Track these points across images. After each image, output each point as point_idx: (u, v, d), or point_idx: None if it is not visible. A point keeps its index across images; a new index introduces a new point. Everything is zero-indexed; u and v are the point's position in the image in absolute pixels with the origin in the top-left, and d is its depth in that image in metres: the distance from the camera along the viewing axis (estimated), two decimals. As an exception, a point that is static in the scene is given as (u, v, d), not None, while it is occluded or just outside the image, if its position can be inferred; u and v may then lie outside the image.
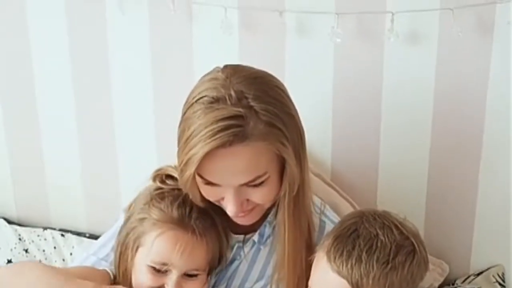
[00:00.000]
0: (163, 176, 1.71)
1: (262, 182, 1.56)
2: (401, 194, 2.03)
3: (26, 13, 2.12)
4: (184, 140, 1.54)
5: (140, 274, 1.66)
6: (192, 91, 1.59)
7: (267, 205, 1.66)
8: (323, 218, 1.75)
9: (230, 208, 1.59)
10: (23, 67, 2.18)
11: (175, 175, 1.68)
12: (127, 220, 1.72)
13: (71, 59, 2.14)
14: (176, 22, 1.99)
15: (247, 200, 1.60)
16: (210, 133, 1.49)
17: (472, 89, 1.92)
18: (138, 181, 2.05)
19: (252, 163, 1.53)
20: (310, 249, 1.67)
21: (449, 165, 2.01)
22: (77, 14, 2.09)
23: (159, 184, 1.70)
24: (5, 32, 2.17)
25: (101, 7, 2.05)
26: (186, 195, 1.65)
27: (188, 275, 1.65)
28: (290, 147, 1.56)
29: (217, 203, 1.64)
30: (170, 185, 1.69)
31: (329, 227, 1.72)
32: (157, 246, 1.63)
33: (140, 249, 1.66)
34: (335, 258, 1.53)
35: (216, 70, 1.60)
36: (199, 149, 1.50)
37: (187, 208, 1.64)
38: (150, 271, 1.64)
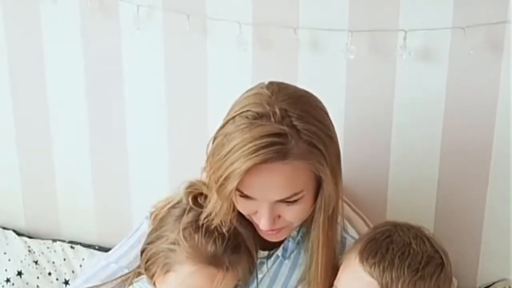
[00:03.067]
0: (196, 195, 1.69)
1: (297, 200, 1.58)
2: (410, 209, 2.04)
3: (41, 28, 2.13)
4: (224, 154, 1.54)
5: None
6: (235, 105, 1.60)
7: (297, 224, 1.67)
8: (344, 234, 1.77)
9: (263, 223, 1.60)
10: (37, 82, 2.20)
11: (207, 193, 1.67)
12: (156, 236, 1.69)
13: (85, 74, 2.15)
14: (190, 38, 2.00)
15: (279, 216, 1.61)
16: (254, 148, 1.50)
17: (482, 107, 1.94)
18: (148, 194, 2.08)
19: (290, 181, 1.55)
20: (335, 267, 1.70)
21: (458, 180, 2.02)
22: (92, 30, 2.10)
23: (191, 204, 1.68)
24: (20, 48, 2.18)
25: (116, 23, 2.07)
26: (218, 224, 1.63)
27: None
28: (328, 168, 1.57)
29: (248, 217, 1.65)
30: (202, 206, 1.66)
31: (349, 243, 1.75)
32: (190, 281, 1.63)
33: (171, 274, 1.66)
34: (367, 258, 1.57)
35: (260, 86, 1.62)
36: (241, 164, 1.51)
37: (221, 241, 1.62)
38: None
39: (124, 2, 2.02)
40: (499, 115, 1.93)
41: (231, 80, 2.03)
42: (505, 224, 2.04)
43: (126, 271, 1.78)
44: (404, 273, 1.54)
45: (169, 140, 2.15)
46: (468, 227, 2.06)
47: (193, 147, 2.01)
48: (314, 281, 1.69)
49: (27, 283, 2.25)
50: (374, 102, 1.98)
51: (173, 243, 1.64)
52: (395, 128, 1.99)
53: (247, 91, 1.62)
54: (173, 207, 1.72)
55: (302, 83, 1.95)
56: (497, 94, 1.92)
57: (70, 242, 2.30)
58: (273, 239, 1.68)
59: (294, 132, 1.52)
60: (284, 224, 1.63)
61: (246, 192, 1.57)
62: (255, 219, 1.64)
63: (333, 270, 1.68)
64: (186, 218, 1.65)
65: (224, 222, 1.62)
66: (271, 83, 1.62)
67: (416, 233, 1.61)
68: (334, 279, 1.65)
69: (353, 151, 2.02)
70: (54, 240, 2.30)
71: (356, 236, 1.75)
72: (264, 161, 1.51)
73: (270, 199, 1.57)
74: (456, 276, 2.05)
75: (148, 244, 1.70)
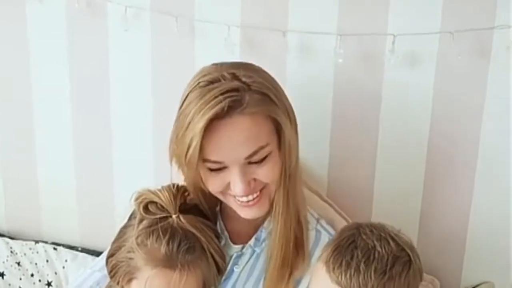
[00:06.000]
0: (146, 204, 1.72)
1: (265, 158, 1.62)
2: (395, 212, 2.05)
3: (28, 28, 2.12)
4: (185, 127, 1.60)
5: None
6: (185, 90, 1.66)
7: (273, 190, 1.69)
8: (319, 228, 1.79)
9: (238, 189, 1.63)
10: (21, 80, 2.18)
11: (157, 200, 1.70)
12: (116, 247, 1.73)
13: (70, 75, 2.14)
14: (178, 40, 2.00)
15: (254, 180, 1.64)
16: (209, 105, 1.56)
17: (469, 112, 1.95)
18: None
19: (253, 131, 1.60)
20: (302, 256, 1.72)
21: (444, 184, 2.03)
22: (79, 31, 2.09)
23: (142, 213, 1.70)
24: (6, 49, 2.17)
25: (103, 24, 2.06)
26: (174, 225, 1.67)
27: None
28: (283, 113, 1.64)
29: (223, 198, 1.68)
30: (154, 213, 1.70)
31: (324, 237, 1.77)
32: (151, 285, 1.65)
33: (134, 281, 1.69)
34: (334, 268, 1.56)
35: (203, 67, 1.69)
36: (199, 123, 1.56)
37: (175, 242, 1.65)
38: None
39: (111, 3, 2.01)
40: (485, 120, 1.95)
41: None
42: (490, 226, 2.06)
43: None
44: (371, 278, 1.54)
45: (154, 142, 2.14)
46: (453, 229, 2.08)
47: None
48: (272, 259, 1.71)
49: (9, 284, 2.24)
50: (362, 106, 1.99)
51: (130, 251, 1.68)
52: (382, 132, 2.00)
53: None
54: (129, 219, 1.76)
55: (290, 87, 1.96)
56: (484, 99, 1.93)
57: (52, 243, 2.29)
58: (254, 213, 1.69)
59: (245, 86, 1.60)
60: (260, 186, 1.66)
61: (213, 158, 1.60)
62: (230, 195, 1.67)
63: (296, 263, 1.71)
64: (140, 226, 1.69)
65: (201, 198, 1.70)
66: (215, 63, 1.69)
67: (379, 234, 1.60)
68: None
69: (339, 154, 2.04)
70: (37, 242, 2.29)
71: (332, 232, 1.78)
72: (221, 111, 1.56)
73: (238, 157, 1.60)
74: (441, 279, 2.09)
75: (109, 256, 1.73)
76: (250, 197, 1.66)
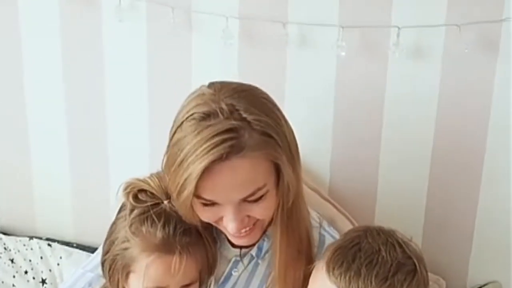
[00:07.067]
0: (135, 192, 1.68)
1: (261, 196, 1.55)
2: (400, 209, 2.03)
3: (19, 18, 2.09)
4: (178, 163, 1.51)
5: None
6: (179, 112, 1.57)
7: (267, 222, 1.64)
8: (322, 231, 1.75)
9: (231, 226, 1.57)
10: (14, 72, 2.15)
11: (147, 187, 1.67)
12: (109, 242, 1.70)
13: (64, 66, 2.11)
14: (175, 31, 1.96)
15: (248, 216, 1.58)
16: (208, 148, 1.47)
17: (475, 106, 1.92)
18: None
19: (251, 175, 1.52)
20: (309, 264, 1.65)
21: (449, 181, 2.00)
22: (72, 21, 2.06)
23: (132, 202, 1.67)
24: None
25: (97, 15, 2.02)
26: (167, 210, 1.64)
27: (183, 285, 1.65)
28: (284, 155, 1.55)
29: (215, 224, 1.62)
30: (144, 201, 1.67)
31: (328, 240, 1.72)
32: (149, 274, 1.62)
33: (131, 275, 1.66)
34: (333, 268, 1.51)
35: (201, 87, 1.59)
36: (196, 166, 1.48)
37: (170, 226, 1.62)
38: None
39: (105, -8, 1.99)
40: (493, 115, 1.92)
41: (216, 76, 1.93)
42: (497, 225, 2.03)
43: (103, 279, 1.76)
44: (371, 283, 1.49)
45: (150, 137, 2.12)
46: (459, 228, 2.05)
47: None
48: (275, 279, 1.67)
49: (3, 282, 2.21)
50: (365, 100, 1.96)
51: (124, 241, 1.65)
52: (385, 128, 1.97)
53: (189, 96, 1.58)
54: (119, 212, 1.73)
55: (290, 81, 1.97)
56: (491, 94, 1.90)
57: (47, 239, 2.27)
58: (245, 243, 1.66)
59: (245, 125, 1.50)
60: (253, 221, 1.61)
61: (208, 197, 1.54)
62: (222, 225, 1.61)
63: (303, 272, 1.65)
64: (132, 215, 1.66)
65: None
66: (212, 83, 1.59)
67: (386, 239, 1.55)
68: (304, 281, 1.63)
69: (341, 149, 2.01)
70: (31, 237, 2.26)
71: (335, 234, 1.74)
72: (220, 157, 1.48)
73: (234, 199, 1.54)
74: (446, 278, 2.08)
75: (104, 254, 1.71)
76: (243, 230, 1.61)
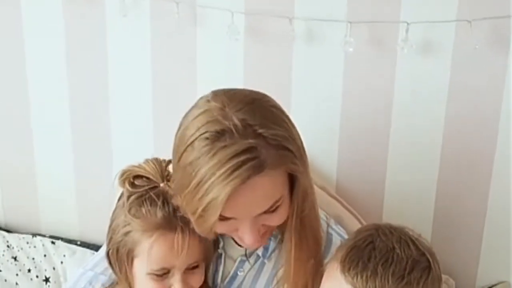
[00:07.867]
0: (131, 179, 1.67)
1: (277, 207, 1.53)
2: (408, 208, 2.01)
3: (23, 15, 2.07)
4: (195, 185, 1.46)
5: (143, 283, 1.64)
6: (186, 128, 1.49)
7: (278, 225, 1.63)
8: (330, 230, 1.73)
9: (247, 238, 1.55)
10: (17, 69, 2.13)
11: (143, 172, 1.65)
12: (111, 231, 1.69)
13: (68, 63, 2.09)
14: (179, 27, 1.94)
15: (262, 225, 1.56)
16: (227, 172, 1.42)
17: (485, 103, 1.89)
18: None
19: (270, 191, 1.49)
20: (318, 264, 1.63)
21: (458, 180, 1.98)
22: (76, 16, 2.04)
23: (129, 188, 1.66)
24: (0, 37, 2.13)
25: (101, 10, 2.00)
26: (165, 191, 1.62)
27: (189, 269, 1.64)
28: (301, 165, 1.52)
29: (229, 234, 1.60)
30: (141, 186, 1.65)
31: (335, 239, 1.70)
32: (153, 254, 1.61)
33: (135, 260, 1.64)
34: (349, 268, 1.49)
35: (205, 100, 1.52)
36: (219, 192, 1.43)
37: (170, 205, 1.61)
38: (152, 278, 1.63)
39: (109, -13, 1.97)
40: (504, 112, 1.89)
41: (221, 72, 1.98)
42: (506, 225, 2.01)
43: (103, 277, 1.76)
44: (388, 282, 1.47)
45: (155, 132, 2.10)
46: (468, 228, 2.03)
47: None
48: (286, 281, 1.65)
49: (6, 280, 2.21)
50: (373, 98, 1.93)
51: (125, 225, 1.64)
52: (394, 126, 1.95)
53: (191, 110, 1.52)
54: (118, 201, 1.72)
55: (296, 77, 1.95)
56: (502, 91, 1.87)
57: (51, 236, 2.26)
58: (257, 247, 1.65)
59: (261, 141, 1.44)
60: (266, 229, 1.59)
61: (228, 215, 1.50)
62: (237, 235, 1.59)
63: (314, 271, 1.63)
64: (129, 200, 1.65)
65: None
66: (215, 93, 1.52)
67: (399, 236, 1.53)
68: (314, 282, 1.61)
69: (348, 147, 1.99)
70: (34, 235, 2.25)
71: (342, 233, 1.72)
72: (243, 182, 1.43)
73: (253, 214, 1.52)
74: (456, 278, 2.06)
75: (108, 245, 1.70)
76: (257, 242, 1.59)
